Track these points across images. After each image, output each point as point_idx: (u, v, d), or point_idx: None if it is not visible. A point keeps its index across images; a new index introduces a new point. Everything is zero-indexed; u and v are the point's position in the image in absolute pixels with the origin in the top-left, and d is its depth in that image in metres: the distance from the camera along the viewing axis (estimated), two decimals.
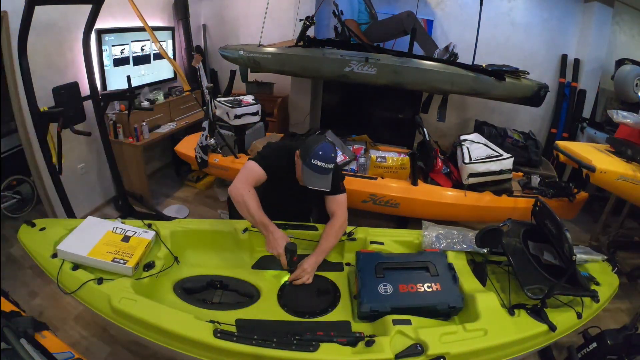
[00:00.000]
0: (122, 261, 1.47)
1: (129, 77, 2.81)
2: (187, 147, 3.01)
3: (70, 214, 2.58)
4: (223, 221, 1.87)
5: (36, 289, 2.25)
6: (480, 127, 3.38)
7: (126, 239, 1.59)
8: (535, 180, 2.67)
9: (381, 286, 1.41)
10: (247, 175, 1.66)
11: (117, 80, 3.06)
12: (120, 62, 3.15)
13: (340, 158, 2.71)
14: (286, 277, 1.59)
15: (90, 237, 1.57)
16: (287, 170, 1.71)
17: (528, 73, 2.97)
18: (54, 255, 1.51)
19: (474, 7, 3.05)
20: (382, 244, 1.73)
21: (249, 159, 1.74)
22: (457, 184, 2.64)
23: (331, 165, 1.54)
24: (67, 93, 2.29)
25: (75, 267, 1.47)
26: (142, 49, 3.35)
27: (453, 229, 1.80)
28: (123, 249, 1.53)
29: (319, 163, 1.51)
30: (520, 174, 2.87)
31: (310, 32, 3.11)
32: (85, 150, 3.01)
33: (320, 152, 1.51)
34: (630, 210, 2.81)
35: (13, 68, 2.30)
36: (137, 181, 3.21)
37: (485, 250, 1.70)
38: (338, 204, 1.74)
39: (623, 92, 3.28)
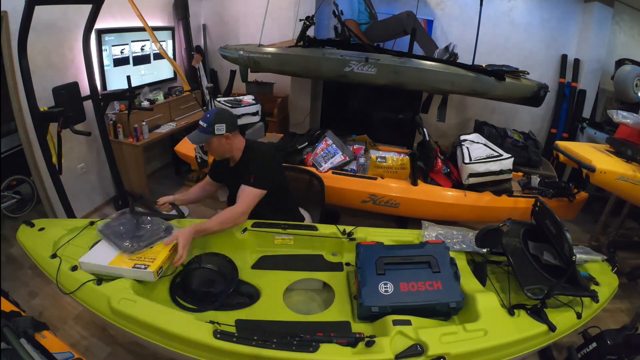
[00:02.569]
0: (143, 266, 1.41)
1: (129, 77, 2.81)
2: (187, 147, 3.01)
3: (70, 214, 2.58)
4: None
5: (36, 289, 2.25)
6: (480, 127, 3.38)
7: (150, 244, 1.54)
8: (535, 180, 2.67)
9: (382, 285, 1.41)
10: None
11: (117, 80, 3.06)
12: (120, 62, 3.15)
13: (340, 158, 2.71)
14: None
15: (113, 247, 1.51)
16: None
17: (528, 73, 2.97)
18: (54, 256, 1.51)
19: (474, 7, 3.05)
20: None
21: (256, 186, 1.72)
22: (457, 184, 2.64)
23: (203, 124, 1.68)
24: (67, 93, 2.29)
25: (74, 267, 1.46)
26: (142, 49, 3.35)
27: (453, 229, 1.80)
28: (145, 254, 1.48)
29: (200, 122, 1.70)
30: (520, 174, 2.87)
31: (310, 32, 3.11)
32: (85, 150, 3.01)
33: (204, 113, 1.73)
34: (630, 210, 2.81)
35: (13, 68, 2.30)
36: (137, 181, 3.21)
37: (485, 250, 1.70)
38: (241, 194, 1.71)
39: (623, 92, 3.28)
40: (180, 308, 1.44)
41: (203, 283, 1.54)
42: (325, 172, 2.65)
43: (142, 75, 3.43)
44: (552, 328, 1.33)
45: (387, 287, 1.41)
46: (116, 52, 3.09)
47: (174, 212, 1.84)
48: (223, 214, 1.67)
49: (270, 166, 1.82)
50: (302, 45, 2.96)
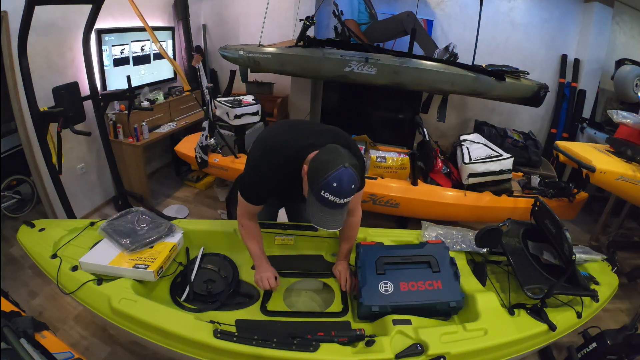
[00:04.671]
0: (143, 266, 1.42)
1: (129, 77, 2.81)
2: (187, 147, 3.01)
3: (70, 214, 2.58)
4: (223, 221, 1.87)
5: (36, 289, 2.25)
6: (480, 127, 3.38)
7: (151, 245, 1.55)
8: (535, 180, 2.67)
9: (382, 284, 1.41)
10: (242, 210, 1.49)
11: (117, 80, 3.06)
12: (120, 62, 3.15)
13: None
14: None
15: (114, 247, 1.52)
16: (284, 188, 1.42)
17: (528, 73, 2.97)
18: (54, 256, 1.51)
19: (474, 7, 3.04)
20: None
21: (239, 189, 1.48)
22: (457, 184, 2.64)
23: (347, 199, 1.17)
24: (67, 93, 2.30)
25: (75, 267, 1.47)
26: (142, 49, 3.35)
27: (453, 229, 1.80)
28: (146, 254, 1.49)
29: (331, 198, 1.13)
30: (520, 174, 2.87)
31: (310, 32, 3.11)
32: (85, 150, 3.01)
33: (335, 184, 1.12)
34: (630, 210, 2.81)
35: (13, 68, 2.30)
36: (137, 181, 3.21)
37: (485, 250, 1.70)
38: (355, 202, 1.55)
39: (623, 92, 3.28)
40: (180, 308, 1.44)
41: (203, 283, 1.54)
42: None
43: (142, 75, 3.43)
44: (552, 327, 1.33)
45: (387, 287, 1.41)
46: (116, 52, 3.09)
47: (178, 216, 1.82)
48: (353, 227, 1.60)
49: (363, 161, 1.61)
50: (302, 45, 2.96)
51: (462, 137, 2.81)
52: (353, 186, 1.15)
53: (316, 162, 1.19)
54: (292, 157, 1.31)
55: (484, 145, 2.67)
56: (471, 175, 2.51)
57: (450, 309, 1.38)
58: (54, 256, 1.51)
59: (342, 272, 1.59)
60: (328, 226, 1.19)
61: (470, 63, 2.78)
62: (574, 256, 1.39)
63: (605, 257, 1.78)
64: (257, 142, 1.49)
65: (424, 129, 2.64)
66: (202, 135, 2.71)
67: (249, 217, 1.50)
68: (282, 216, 2.04)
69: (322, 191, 1.13)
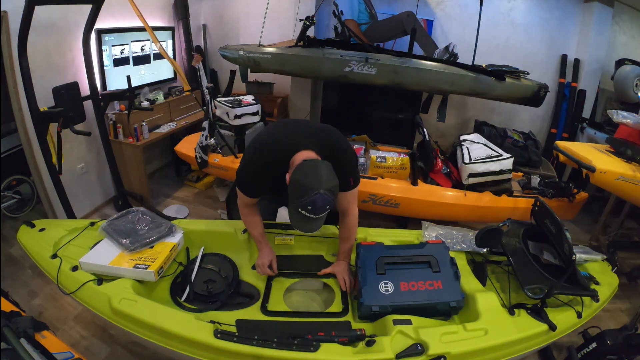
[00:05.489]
0: (143, 266, 1.42)
1: (129, 77, 2.81)
2: (187, 147, 3.01)
3: (70, 214, 2.58)
4: (223, 221, 1.87)
5: (36, 289, 2.25)
6: (480, 127, 3.38)
7: (151, 245, 1.55)
8: (535, 180, 2.67)
9: (382, 284, 1.41)
10: (240, 201, 1.60)
11: (117, 80, 3.06)
12: (120, 62, 3.14)
13: None
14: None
15: (114, 247, 1.52)
16: (276, 184, 1.44)
17: (528, 73, 2.97)
18: (54, 256, 1.51)
19: (474, 7, 3.04)
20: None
21: (235, 182, 1.57)
22: (457, 184, 2.64)
23: (322, 215, 1.27)
24: (67, 93, 2.30)
25: (75, 267, 1.47)
26: (142, 49, 3.35)
27: (453, 229, 1.80)
28: (146, 255, 1.49)
29: (305, 213, 1.25)
30: (520, 174, 2.87)
31: (310, 32, 3.11)
32: (85, 150, 3.01)
33: (310, 207, 1.23)
34: (630, 210, 2.81)
35: (13, 68, 2.30)
36: (137, 181, 3.21)
37: (485, 250, 1.70)
38: (349, 201, 1.57)
39: (623, 92, 3.28)
40: (180, 308, 1.44)
41: (204, 283, 1.55)
42: None
43: (142, 75, 3.43)
44: (552, 327, 1.33)
45: (387, 287, 1.41)
46: (116, 52, 3.09)
47: (178, 216, 1.82)
48: (350, 227, 1.61)
49: (357, 158, 1.68)
50: (302, 45, 2.96)
51: (462, 137, 2.81)
52: (327, 207, 1.26)
53: (294, 184, 1.27)
54: (280, 155, 1.40)
55: (484, 145, 2.67)
56: (471, 175, 2.51)
57: (450, 309, 1.38)
58: (54, 256, 1.51)
59: (342, 273, 1.59)
60: (304, 231, 1.33)
61: (470, 63, 2.78)
62: (574, 256, 1.39)
63: (605, 257, 1.78)
64: (253, 139, 1.57)
65: (424, 129, 2.64)
66: (202, 135, 2.71)
67: (247, 207, 1.61)
68: (282, 216, 2.04)
69: (299, 208, 1.25)
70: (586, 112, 3.60)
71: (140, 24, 2.56)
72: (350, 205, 1.59)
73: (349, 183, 1.52)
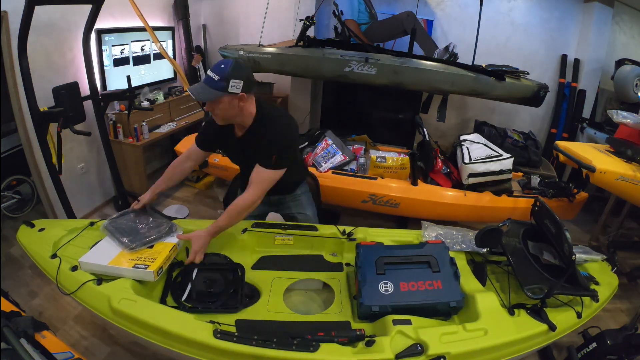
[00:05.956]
0: (143, 266, 1.42)
1: (129, 77, 2.81)
2: (187, 147, 2.98)
3: (70, 214, 2.58)
4: None
5: (36, 289, 2.25)
6: (480, 127, 3.38)
7: (150, 245, 1.54)
8: (535, 180, 2.67)
9: (382, 284, 1.41)
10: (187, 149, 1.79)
11: (117, 80, 3.06)
12: (120, 62, 3.15)
13: (340, 158, 2.71)
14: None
15: (113, 247, 1.52)
16: (225, 136, 1.59)
17: (528, 73, 2.97)
18: (54, 256, 1.51)
19: (474, 7, 3.04)
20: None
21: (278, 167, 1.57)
22: (457, 184, 2.64)
23: (214, 76, 1.37)
24: (67, 93, 2.29)
25: (75, 267, 1.46)
26: (142, 49, 3.35)
27: (453, 229, 1.80)
28: (146, 254, 1.48)
29: (209, 73, 1.39)
30: (520, 174, 2.87)
31: (310, 32, 3.11)
32: (85, 150, 3.01)
33: (217, 63, 1.40)
34: (630, 210, 2.81)
35: (13, 68, 2.30)
36: (137, 181, 3.21)
37: (485, 250, 1.70)
38: (259, 176, 1.51)
39: (623, 92, 3.28)
40: (180, 308, 1.44)
41: (204, 283, 1.54)
42: (325, 172, 2.65)
43: (142, 75, 3.43)
44: (552, 327, 1.33)
45: (387, 287, 1.41)
46: (116, 52, 3.09)
47: (178, 216, 1.82)
48: (238, 205, 1.54)
49: (293, 140, 1.61)
50: (302, 45, 2.96)
51: (462, 137, 2.81)
52: (222, 65, 1.39)
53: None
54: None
55: (484, 145, 2.67)
56: (471, 175, 2.51)
57: (450, 309, 1.39)
58: (54, 256, 1.51)
59: (195, 242, 1.53)
60: (197, 94, 1.42)
61: (470, 63, 2.78)
62: (574, 256, 1.39)
63: (605, 257, 1.78)
64: None
65: (424, 129, 2.64)
66: None
67: (185, 155, 1.75)
68: (280, 218, 2.04)
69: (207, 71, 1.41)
70: (586, 112, 3.60)
71: (140, 24, 2.56)
72: (256, 183, 1.52)
73: (270, 159, 1.49)
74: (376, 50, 2.92)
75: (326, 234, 1.78)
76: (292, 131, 1.61)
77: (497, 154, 2.53)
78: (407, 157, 2.60)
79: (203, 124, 1.66)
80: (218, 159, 2.83)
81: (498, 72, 2.71)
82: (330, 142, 2.77)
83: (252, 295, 1.56)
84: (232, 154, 1.75)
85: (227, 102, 1.42)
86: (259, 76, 3.82)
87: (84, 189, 3.07)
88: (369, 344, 1.21)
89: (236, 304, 1.45)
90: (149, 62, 3.47)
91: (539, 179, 2.67)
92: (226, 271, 1.59)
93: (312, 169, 2.58)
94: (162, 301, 1.45)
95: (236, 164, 1.81)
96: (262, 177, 1.52)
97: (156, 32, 2.82)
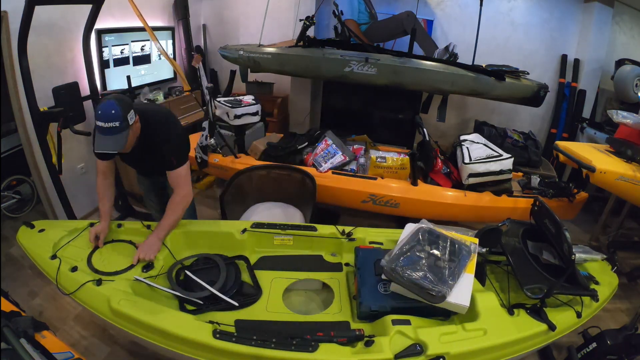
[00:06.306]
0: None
1: (129, 77, 2.81)
2: None
3: (70, 214, 2.58)
4: (222, 222, 1.87)
5: (36, 289, 2.25)
6: (480, 127, 3.38)
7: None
8: (535, 180, 2.66)
9: (381, 285, 1.41)
10: (98, 169, 1.74)
11: (117, 80, 3.06)
12: (120, 62, 3.15)
13: (340, 158, 2.70)
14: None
15: None
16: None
17: (528, 73, 2.97)
18: (53, 257, 1.51)
19: (474, 7, 3.04)
20: (381, 244, 1.74)
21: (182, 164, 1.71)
22: (457, 184, 2.63)
23: (114, 124, 1.39)
24: (67, 93, 2.30)
25: (74, 268, 1.47)
26: (142, 49, 3.35)
27: (453, 229, 1.80)
28: None
29: (100, 123, 1.40)
30: (520, 174, 2.86)
31: (310, 32, 3.11)
32: (85, 150, 3.00)
33: (100, 112, 1.39)
34: (630, 210, 2.81)
35: (13, 68, 2.30)
36: (137, 181, 3.20)
37: (485, 250, 1.70)
38: (176, 178, 1.68)
39: (623, 92, 3.28)
40: (180, 308, 1.44)
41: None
42: (325, 172, 2.65)
43: (142, 75, 3.43)
44: (551, 327, 1.33)
45: (386, 287, 1.41)
46: (116, 52, 3.09)
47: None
48: (174, 205, 1.67)
49: (179, 134, 1.71)
50: (302, 45, 2.96)
51: (462, 137, 2.81)
52: (114, 111, 1.40)
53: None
54: None
55: (484, 145, 2.66)
56: (471, 175, 2.51)
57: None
58: (54, 257, 1.51)
59: (143, 244, 1.57)
60: (105, 147, 1.44)
61: (470, 63, 2.78)
62: (573, 256, 1.39)
63: (605, 257, 1.77)
64: None
65: (424, 129, 2.64)
66: (202, 135, 2.71)
67: (102, 174, 1.73)
68: (279, 216, 2.03)
69: (96, 122, 1.41)
70: (586, 112, 3.60)
71: (140, 24, 2.56)
72: (178, 184, 1.68)
73: (172, 162, 1.65)
74: (376, 50, 2.92)
75: (325, 234, 1.78)
76: (176, 126, 1.74)
77: (497, 154, 2.53)
78: (407, 157, 2.60)
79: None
80: (218, 159, 2.83)
81: (498, 72, 2.71)
82: (330, 142, 2.77)
83: (252, 295, 1.56)
84: (130, 161, 1.88)
85: (132, 134, 1.52)
86: (259, 76, 3.84)
87: (84, 189, 3.06)
88: (368, 344, 1.21)
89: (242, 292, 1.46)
90: (149, 62, 3.47)
91: (539, 179, 2.67)
92: (229, 265, 1.60)
93: (311, 169, 2.59)
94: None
95: (132, 167, 1.98)
96: (177, 176, 1.68)
97: (156, 32, 2.82)
